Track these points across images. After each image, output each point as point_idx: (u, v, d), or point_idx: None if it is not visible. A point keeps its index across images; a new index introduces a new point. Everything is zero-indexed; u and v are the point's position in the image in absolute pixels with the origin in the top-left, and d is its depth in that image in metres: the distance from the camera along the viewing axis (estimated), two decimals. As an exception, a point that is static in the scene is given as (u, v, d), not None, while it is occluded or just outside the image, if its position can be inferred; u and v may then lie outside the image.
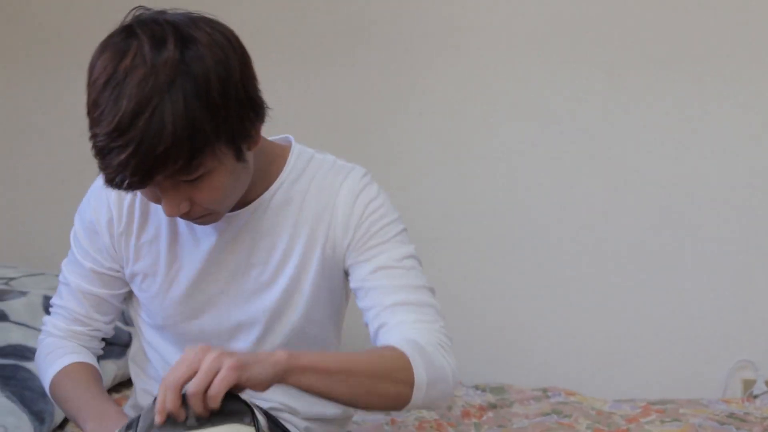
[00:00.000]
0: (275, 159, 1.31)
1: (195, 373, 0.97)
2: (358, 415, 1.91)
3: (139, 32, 1.07)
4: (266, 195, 1.29)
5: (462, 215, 2.42)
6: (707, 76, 2.26)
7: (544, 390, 2.18)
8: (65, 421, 1.83)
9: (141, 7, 1.13)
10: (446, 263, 2.40)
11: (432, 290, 1.31)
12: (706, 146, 2.29)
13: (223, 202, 1.19)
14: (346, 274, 1.33)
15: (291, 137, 1.38)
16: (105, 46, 1.10)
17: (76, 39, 2.55)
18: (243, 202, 1.28)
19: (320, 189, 1.31)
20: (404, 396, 1.16)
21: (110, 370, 1.96)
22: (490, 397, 2.11)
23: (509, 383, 2.24)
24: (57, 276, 2.19)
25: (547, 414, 1.96)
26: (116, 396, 2.01)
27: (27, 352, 1.83)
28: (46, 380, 1.37)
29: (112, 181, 1.09)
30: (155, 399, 0.99)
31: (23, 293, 2.03)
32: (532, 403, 2.07)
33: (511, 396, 2.13)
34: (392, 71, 2.42)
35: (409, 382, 1.15)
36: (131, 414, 1.44)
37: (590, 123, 2.35)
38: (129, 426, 1.01)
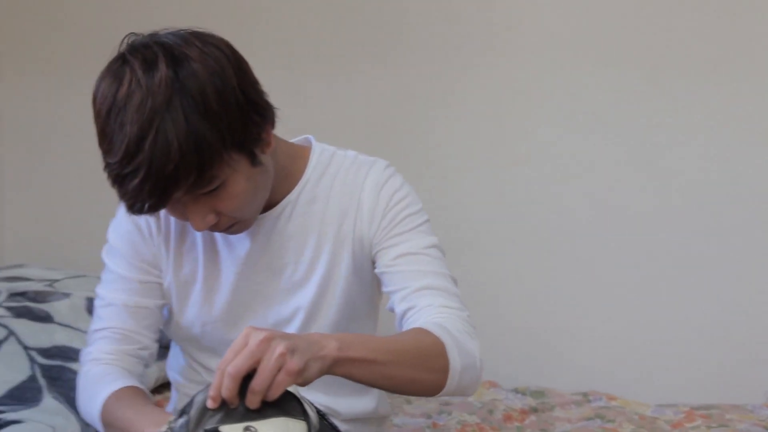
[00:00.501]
0: (297, 159, 1.33)
1: (257, 363, 0.96)
2: (399, 418, 1.91)
3: (131, 59, 1.10)
4: (292, 195, 1.31)
5: (500, 218, 2.41)
6: (752, 78, 2.23)
7: (585, 394, 2.16)
8: (109, 422, 1.85)
9: (132, 33, 1.16)
10: (484, 266, 2.39)
11: (455, 280, 1.32)
12: (751, 149, 2.26)
13: (246, 208, 1.20)
14: (373, 263, 1.34)
15: (311, 137, 1.39)
16: (103, 75, 1.13)
17: (110, 43, 2.58)
18: (270, 205, 1.30)
19: (344, 184, 1.32)
20: (439, 383, 1.17)
21: (151, 373, 1.97)
22: (531, 401, 2.10)
23: (549, 387, 2.23)
24: (98, 278, 2.23)
25: (590, 418, 1.94)
26: (158, 397, 2.03)
27: (72, 353, 1.85)
28: (96, 406, 1.28)
29: (132, 207, 1.12)
30: (208, 385, 0.99)
31: (66, 295, 2.06)
32: (573, 407, 2.05)
33: (551, 400, 2.11)
34: (428, 73, 2.41)
35: (445, 369, 1.16)
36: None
37: (631, 125, 2.33)
38: (182, 411, 1.01)
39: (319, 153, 1.35)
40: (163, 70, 1.08)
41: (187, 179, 1.09)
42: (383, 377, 1.10)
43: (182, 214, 1.18)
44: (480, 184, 2.42)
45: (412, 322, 1.24)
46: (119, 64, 1.11)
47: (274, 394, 0.97)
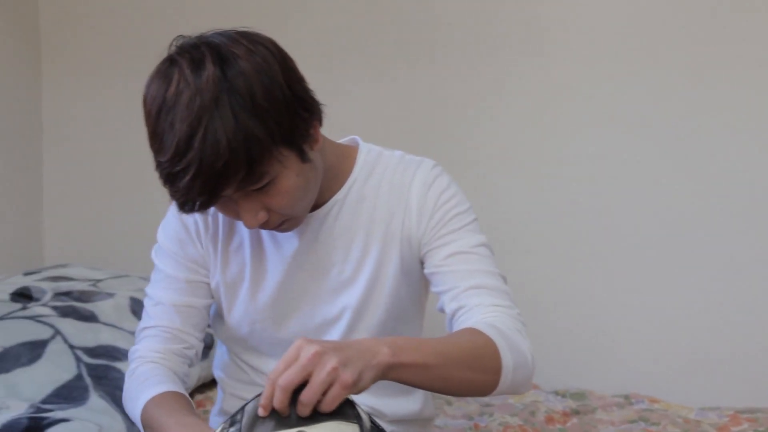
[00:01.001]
0: (345, 159, 1.34)
1: (308, 375, 0.96)
2: (440, 420, 1.91)
3: (179, 59, 1.12)
4: (340, 194, 1.32)
5: (543, 219, 2.39)
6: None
7: (626, 396, 2.15)
8: (154, 421, 1.87)
9: (180, 36, 1.17)
10: (525, 267, 2.38)
11: (505, 278, 1.31)
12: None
13: (296, 205, 1.20)
14: (422, 263, 1.34)
15: (358, 138, 1.39)
16: (152, 77, 1.14)
17: (150, 44, 2.60)
18: (318, 204, 1.31)
19: (392, 184, 1.33)
20: (493, 382, 1.17)
21: (194, 372, 1.98)
22: (571, 403, 2.08)
23: (589, 389, 2.21)
24: (141, 278, 2.25)
25: (634, 421, 1.93)
26: (199, 397, 2.04)
27: (117, 353, 1.87)
28: (138, 408, 1.29)
29: (184, 206, 1.13)
30: (259, 394, 1.00)
31: (110, 295, 2.08)
32: (615, 409, 2.04)
33: (592, 402, 2.10)
34: (469, 74, 2.41)
35: (497, 369, 1.16)
36: (219, 422, 1.45)
37: (673, 126, 2.30)
38: (233, 420, 1.02)
39: (366, 153, 1.36)
40: (210, 69, 1.09)
41: (237, 175, 1.10)
42: (437, 380, 1.10)
43: (234, 212, 1.19)
44: (520, 185, 2.41)
45: (463, 321, 1.24)
46: (167, 65, 1.13)
47: (330, 406, 0.97)
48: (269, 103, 1.11)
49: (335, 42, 2.50)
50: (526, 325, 1.27)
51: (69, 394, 1.72)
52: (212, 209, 1.32)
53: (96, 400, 1.71)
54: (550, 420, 1.94)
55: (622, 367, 2.36)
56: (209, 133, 1.07)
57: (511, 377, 1.17)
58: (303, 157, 1.17)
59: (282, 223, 1.22)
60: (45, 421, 1.59)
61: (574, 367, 2.38)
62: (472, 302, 1.25)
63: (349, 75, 2.45)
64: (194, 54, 1.11)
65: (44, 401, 1.69)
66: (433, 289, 1.33)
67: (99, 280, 2.17)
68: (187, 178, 1.08)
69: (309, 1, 2.52)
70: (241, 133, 1.08)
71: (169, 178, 1.10)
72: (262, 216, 1.17)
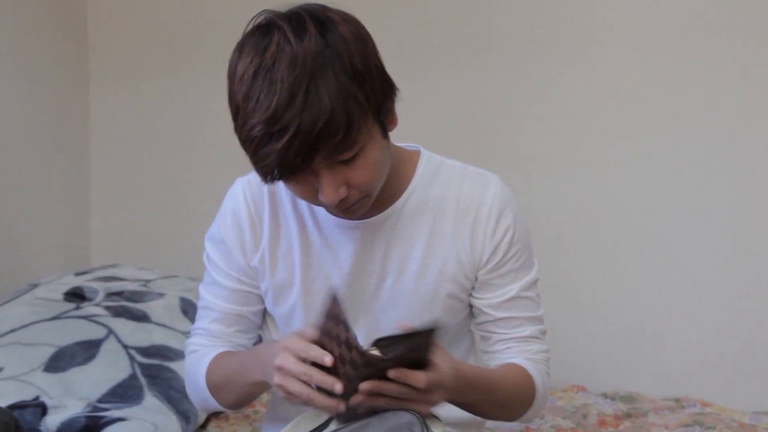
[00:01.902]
0: (405, 162, 1.31)
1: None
2: (491, 422, 1.90)
3: (279, 22, 1.11)
4: (399, 201, 1.29)
5: (589, 220, 2.38)
6: None
7: (677, 400, 2.12)
8: (207, 421, 1.88)
9: (266, 10, 1.16)
10: (572, 268, 2.36)
11: (542, 317, 1.37)
12: None
13: (375, 181, 1.19)
14: (473, 283, 1.33)
15: (420, 146, 1.37)
16: (242, 46, 1.13)
17: (199, 46, 2.62)
18: (376, 209, 1.27)
19: (459, 199, 1.30)
20: (513, 418, 1.35)
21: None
22: (621, 406, 2.07)
23: (638, 391, 2.19)
24: (189, 278, 2.27)
25: (689, 425, 1.90)
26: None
27: (169, 353, 1.88)
28: (201, 377, 1.33)
29: (271, 172, 1.10)
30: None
31: (161, 295, 2.10)
32: (667, 413, 2.02)
33: (642, 405, 2.08)
34: (517, 75, 2.39)
35: (524, 412, 1.33)
36: (270, 428, 1.44)
37: (722, 126, 2.28)
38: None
39: (427, 161, 1.33)
40: (312, 32, 1.09)
41: (335, 138, 1.08)
42: (473, 411, 1.28)
43: (310, 189, 1.16)
44: (565, 186, 2.39)
45: (510, 359, 1.33)
46: (263, 30, 1.11)
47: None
48: (366, 70, 1.11)
49: (379, 43, 2.49)
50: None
51: (124, 393, 1.74)
52: (263, 209, 1.31)
53: (151, 400, 1.73)
54: (602, 423, 1.93)
55: (670, 370, 2.34)
56: (311, 92, 1.06)
57: (525, 418, 1.35)
58: (384, 132, 1.18)
59: (356, 202, 1.19)
60: (102, 420, 1.61)
61: (622, 369, 2.36)
62: (519, 348, 1.33)
63: (394, 75, 2.44)
64: (294, 18, 1.11)
65: (100, 400, 1.71)
66: (478, 318, 1.35)
67: (149, 281, 2.18)
68: (285, 138, 1.06)
69: (353, 2, 2.52)
70: (342, 96, 1.07)
71: (263, 140, 1.08)
72: (343, 191, 1.15)
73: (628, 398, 2.13)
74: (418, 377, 1.07)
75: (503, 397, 1.27)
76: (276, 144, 1.07)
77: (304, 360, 1.09)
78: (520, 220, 1.32)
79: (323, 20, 1.11)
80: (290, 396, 1.11)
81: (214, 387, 1.32)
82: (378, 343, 1.08)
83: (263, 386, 1.25)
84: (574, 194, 2.38)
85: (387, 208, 1.28)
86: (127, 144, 2.73)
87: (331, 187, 1.14)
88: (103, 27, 2.69)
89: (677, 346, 2.34)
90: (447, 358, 1.14)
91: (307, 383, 1.09)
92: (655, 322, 2.35)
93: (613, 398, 2.13)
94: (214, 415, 1.89)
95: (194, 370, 1.36)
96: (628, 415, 1.99)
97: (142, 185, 2.74)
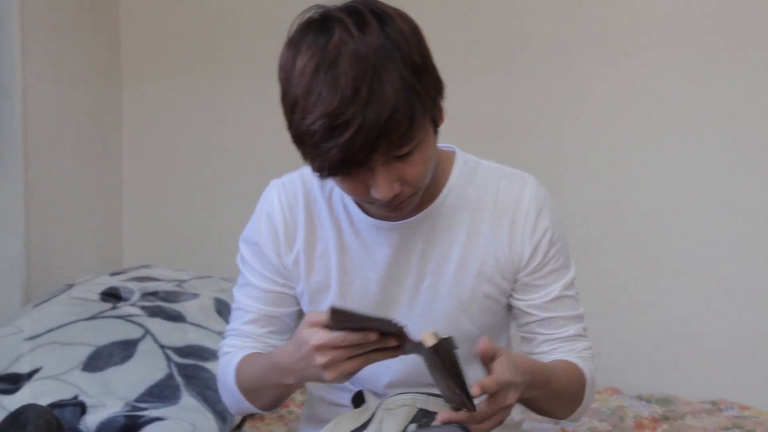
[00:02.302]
0: (442, 162, 1.30)
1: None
2: (526, 423, 1.89)
3: (339, 15, 1.10)
4: (437, 202, 1.28)
5: (624, 221, 2.36)
6: None
7: (714, 402, 2.10)
8: (243, 421, 1.89)
9: (317, 5, 1.14)
10: (606, 269, 2.34)
11: (583, 315, 1.37)
12: None
13: (427, 177, 1.19)
14: (513, 284, 1.32)
15: (455, 147, 1.36)
16: (297, 42, 1.11)
17: (231, 48, 2.63)
18: (414, 210, 1.27)
19: (496, 198, 1.29)
20: (566, 414, 1.35)
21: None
22: (657, 409, 2.05)
23: (673, 394, 2.17)
24: (223, 279, 2.28)
25: (728, 428, 1.88)
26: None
27: (205, 353, 1.89)
28: (231, 379, 1.33)
29: (329, 167, 1.09)
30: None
31: (195, 295, 2.10)
32: (704, 416, 2.00)
33: (679, 408, 2.06)
34: (550, 76, 2.38)
35: (575, 407, 1.34)
36: (307, 428, 1.44)
37: (751, 126, 2.25)
38: None
39: (463, 162, 1.32)
40: (374, 24, 1.08)
41: (398, 132, 1.07)
42: (529, 405, 1.29)
43: (362, 186, 1.15)
44: (602, 187, 2.38)
45: (560, 356, 1.34)
46: (320, 24, 1.10)
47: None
48: (423, 64, 1.11)
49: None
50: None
51: (161, 392, 1.74)
52: (301, 208, 1.30)
53: (188, 400, 1.73)
54: (639, 426, 1.91)
55: (706, 372, 2.31)
56: (375, 86, 1.05)
57: (575, 418, 1.36)
58: (435, 129, 1.17)
59: (406, 198, 1.19)
60: (141, 420, 1.62)
61: (657, 371, 2.34)
62: (567, 347, 1.34)
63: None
64: (352, 10, 1.11)
65: (138, 400, 1.72)
66: (519, 320, 1.35)
67: (183, 281, 2.19)
68: (349, 133, 1.05)
69: (391, 2, 2.52)
70: (404, 89, 1.07)
71: (326, 134, 1.06)
72: (397, 187, 1.14)
73: (664, 401, 2.11)
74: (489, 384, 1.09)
75: (559, 389, 1.27)
76: (338, 139, 1.06)
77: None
78: (557, 220, 1.32)
79: (380, 14, 1.11)
80: (342, 369, 1.09)
81: (245, 390, 1.32)
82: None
83: (292, 388, 1.25)
84: (608, 195, 2.37)
85: (424, 209, 1.28)
86: (159, 145, 2.74)
87: (386, 183, 1.13)
88: (135, 29, 2.71)
89: (713, 348, 2.31)
90: (506, 361, 1.13)
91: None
92: (690, 324, 2.33)
93: (648, 400, 2.11)
94: (249, 416, 1.90)
95: (224, 373, 1.36)
96: (665, 418, 1.97)
97: (173, 186, 2.75)
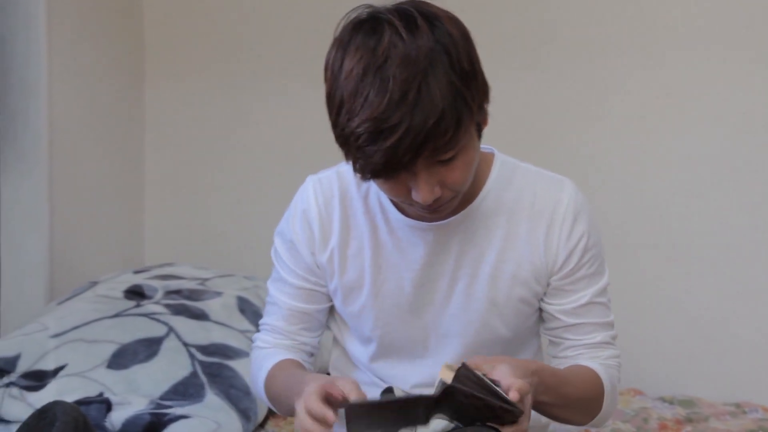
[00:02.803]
0: (480, 165, 1.29)
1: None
2: (553, 425, 1.88)
3: (389, 17, 1.09)
4: (474, 204, 1.28)
5: (648, 222, 2.35)
6: None
7: (737, 405, 2.09)
8: (266, 420, 1.89)
9: (366, 5, 1.14)
10: (630, 269, 2.33)
11: (613, 323, 1.36)
12: None
13: (468, 181, 1.19)
14: (545, 287, 1.31)
15: (493, 148, 1.35)
16: (346, 43, 1.10)
17: (256, 48, 2.64)
18: (451, 210, 1.25)
19: (533, 201, 1.28)
20: (584, 420, 1.33)
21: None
22: (680, 411, 2.04)
23: (696, 396, 2.16)
24: (246, 277, 2.28)
25: (753, 431, 1.87)
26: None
27: (229, 351, 1.89)
28: (261, 381, 1.36)
29: (372, 170, 1.09)
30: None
31: (218, 293, 2.11)
32: (729, 418, 1.98)
33: (702, 410, 2.05)
34: (576, 75, 2.37)
35: (592, 417, 1.33)
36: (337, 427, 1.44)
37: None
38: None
39: (501, 163, 1.31)
40: (424, 27, 1.08)
41: (444, 136, 1.07)
42: (545, 412, 1.26)
43: (403, 189, 1.15)
44: (623, 187, 2.36)
45: (583, 361, 1.32)
46: (372, 23, 1.09)
47: None
48: (472, 69, 1.11)
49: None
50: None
51: (185, 390, 1.75)
52: (337, 206, 1.30)
53: (212, 398, 1.74)
54: (663, 427, 1.90)
55: (729, 374, 2.30)
56: (423, 88, 1.05)
57: (594, 423, 1.34)
58: (479, 133, 1.17)
59: (446, 202, 1.18)
60: (166, 417, 1.63)
61: (680, 373, 2.33)
62: (591, 354, 1.32)
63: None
64: (402, 12, 1.10)
65: (162, 397, 1.73)
66: (548, 324, 1.34)
67: (206, 279, 2.20)
68: (395, 137, 1.05)
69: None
70: (452, 94, 1.07)
71: (372, 137, 1.06)
72: (438, 191, 1.14)
73: (687, 402, 2.10)
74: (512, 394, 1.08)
75: (571, 393, 1.26)
76: (384, 142, 1.06)
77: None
78: (594, 226, 1.31)
79: (430, 16, 1.10)
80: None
81: (270, 397, 1.36)
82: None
83: None
84: (632, 196, 2.35)
85: (461, 210, 1.27)
86: (181, 143, 2.75)
87: (427, 186, 1.13)
88: (158, 27, 2.72)
89: (736, 350, 2.30)
90: (510, 365, 1.12)
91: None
92: (714, 326, 2.31)
93: (671, 402, 2.10)
94: (272, 414, 1.90)
95: (257, 371, 1.38)
96: (689, 420, 1.96)
97: (195, 185, 2.76)
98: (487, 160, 1.31)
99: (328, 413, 1.09)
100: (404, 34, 1.07)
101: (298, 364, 1.36)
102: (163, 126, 2.75)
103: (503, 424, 1.09)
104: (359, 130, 1.07)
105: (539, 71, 2.39)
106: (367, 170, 1.10)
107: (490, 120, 2.42)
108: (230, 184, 2.72)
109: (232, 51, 2.67)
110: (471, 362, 1.11)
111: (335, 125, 1.11)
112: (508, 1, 2.42)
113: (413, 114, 1.05)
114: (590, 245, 1.29)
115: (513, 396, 1.07)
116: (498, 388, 1.08)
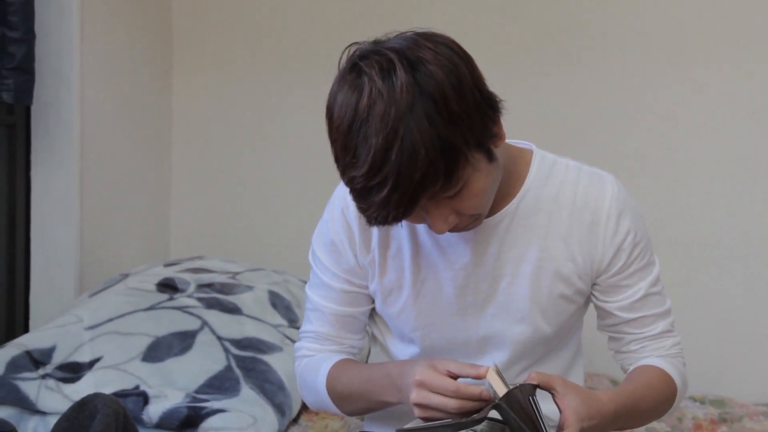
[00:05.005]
0: (518, 161, 1.28)
1: None
2: (584, 423, 1.88)
3: (366, 68, 1.08)
4: (513, 202, 1.26)
5: (679, 220, 2.34)
6: None
7: (770, 405, 2.08)
8: (299, 414, 1.89)
9: (355, 43, 1.13)
10: (662, 269, 2.31)
11: (671, 309, 1.35)
12: None
13: (485, 205, 1.18)
14: (590, 284, 1.30)
15: (532, 144, 1.33)
16: (338, 88, 1.11)
17: (285, 42, 2.64)
18: (490, 210, 1.24)
19: (574, 200, 1.27)
20: (659, 418, 1.33)
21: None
22: (712, 410, 2.03)
23: (727, 396, 2.14)
24: (275, 272, 2.28)
25: (789, 431, 1.86)
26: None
27: (263, 345, 1.89)
28: (320, 384, 1.34)
29: (376, 219, 1.10)
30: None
31: (250, 288, 2.10)
32: (762, 418, 1.98)
33: (734, 410, 2.04)
34: (607, 74, 2.37)
35: (667, 411, 1.32)
36: (372, 424, 1.43)
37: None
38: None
39: (540, 159, 1.29)
40: (402, 77, 1.06)
41: (435, 185, 1.07)
42: (616, 426, 1.22)
43: (420, 219, 1.16)
44: (655, 186, 2.35)
45: (648, 362, 1.32)
46: (354, 75, 1.08)
47: None
48: (461, 107, 1.08)
49: (470, 45, 2.47)
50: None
51: (221, 384, 1.75)
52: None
53: (247, 392, 1.74)
54: (698, 427, 1.90)
55: (761, 374, 2.29)
56: (406, 144, 1.04)
57: (661, 417, 1.33)
58: (491, 157, 1.14)
59: (466, 224, 1.18)
60: (203, 411, 1.63)
61: (710, 373, 2.32)
62: (653, 346, 1.32)
63: (488, 78, 2.43)
64: (382, 61, 1.08)
65: (198, 391, 1.73)
66: (605, 321, 1.33)
67: (237, 273, 2.20)
68: (385, 191, 1.06)
69: (443, 3, 2.50)
70: (438, 142, 1.05)
71: (363, 192, 1.08)
72: (452, 220, 1.14)
73: (718, 402, 2.09)
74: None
75: (648, 408, 1.27)
76: (376, 197, 1.07)
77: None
78: (638, 219, 1.30)
79: (412, 60, 1.07)
80: (429, 411, 1.13)
81: (338, 397, 1.32)
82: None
83: (393, 405, 1.25)
84: (662, 194, 2.34)
85: (500, 209, 1.26)
86: (208, 136, 2.75)
87: (439, 219, 1.14)
88: (186, 20, 2.72)
89: (767, 350, 2.29)
90: (579, 400, 1.12)
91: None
92: (745, 326, 2.30)
93: (702, 402, 2.09)
94: (305, 409, 1.90)
95: (312, 377, 1.35)
96: (723, 420, 1.95)
97: (221, 179, 2.76)
98: (525, 157, 1.29)
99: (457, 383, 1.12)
100: (383, 88, 1.06)
101: (359, 362, 1.35)
102: (190, 119, 2.75)
103: None
104: (353, 185, 1.09)
105: (572, 70, 2.39)
106: (371, 220, 1.11)
107: (521, 118, 2.41)
108: (256, 177, 2.72)
109: (260, 43, 2.67)
110: (542, 379, 1.11)
111: (339, 173, 1.13)
112: (541, 3, 2.41)
113: (398, 170, 1.05)
114: (638, 239, 1.28)
115: None
116: (542, 422, 1.07)
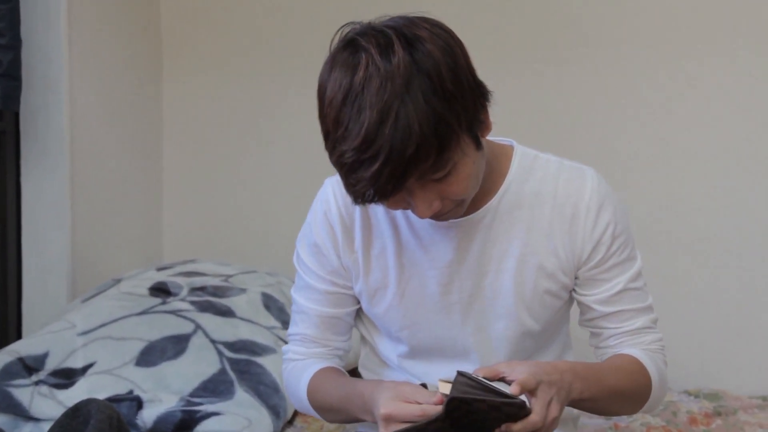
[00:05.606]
0: (500, 157, 1.28)
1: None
2: (583, 419, 1.88)
3: (365, 43, 1.08)
4: (495, 199, 1.27)
5: (675, 215, 2.34)
6: None
7: (764, 398, 2.09)
8: (294, 416, 1.89)
9: (350, 23, 1.14)
10: (656, 264, 2.31)
11: (652, 305, 1.35)
12: None
13: (469, 192, 1.18)
14: (573, 277, 1.30)
15: (513, 141, 1.34)
16: (332, 64, 1.11)
17: (274, 44, 2.63)
18: (472, 207, 1.25)
19: (555, 193, 1.27)
20: (634, 410, 1.33)
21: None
22: (707, 404, 2.03)
23: (721, 389, 2.15)
24: (269, 274, 2.28)
25: (785, 424, 1.87)
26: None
27: (256, 348, 1.89)
28: (302, 393, 1.35)
29: (363, 196, 1.10)
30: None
31: (243, 290, 2.10)
32: (757, 411, 1.98)
33: (729, 403, 2.04)
34: (602, 70, 2.37)
35: (642, 404, 1.31)
36: (368, 427, 1.44)
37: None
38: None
39: (521, 155, 1.30)
40: (400, 53, 1.06)
41: (426, 163, 1.07)
42: (593, 409, 1.25)
43: (404, 204, 1.16)
44: (651, 181, 2.36)
45: (624, 349, 1.32)
46: (351, 50, 1.10)
47: None
48: (456, 87, 1.09)
49: (467, 39, 2.48)
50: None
51: (215, 388, 1.75)
52: (355, 211, 1.30)
53: (242, 395, 1.74)
54: (693, 421, 1.90)
55: (755, 368, 2.29)
56: (401, 118, 1.05)
57: (645, 409, 1.33)
58: (478, 144, 1.15)
59: (450, 209, 1.18)
60: (198, 414, 1.62)
61: (704, 366, 2.33)
62: (633, 341, 1.32)
63: (480, 73, 2.43)
64: (380, 38, 1.09)
65: (192, 395, 1.73)
66: (586, 315, 1.33)
67: (230, 276, 2.19)
68: (376, 165, 1.05)
69: (437, 1, 2.50)
70: (432, 119, 1.06)
71: (354, 166, 1.07)
72: (437, 205, 1.14)
73: (713, 396, 2.09)
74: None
75: (617, 386, 1.24)
76: (367, 171, 1.06)
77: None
78: (620, 213, 1.29)
79: (411, 38, 1.08)
80: None
81: (319, 408, 1.34)
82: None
83: (366, 421, 1.27)
84: (656, 189, 2.35)
85: (482, 205, 1.26)
86: (199, 139, 2.75)
87: (424, 204, 1.14)
88: (176, 25, 2.72)
89: (761, 344, 2.29)
90: (528, 365, 1.13)
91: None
92: (739, 319, 2.31)
93: (696, 396, 2.10)
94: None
95: (295, 383, 1.37)
96: (717, 413, 1.96)
97: (213, 182, 2.76)
98: (506, 153, 1.30)
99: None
100: (379, 61, 1.06)
101: (339, 372, 1.35)
102: (181, 122, 2.75)
103: (515, 420, 1.08)
104: (343, 159, 1.08)
105: (565, 66, 2.39)
106: (357, 197, 1.11)
107: (515, 114, 2.41)
108: (248, 179, 2.72)
109: (250, 45, 2.66)
110: (487, 369, 1.13)
111: (327, 150, 1.12)
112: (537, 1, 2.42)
113: (392, 144, 1.05)
114: (618, 233, 1.28)
115: (513, 390, 1.07)
116: (495, 385, 1.08)
